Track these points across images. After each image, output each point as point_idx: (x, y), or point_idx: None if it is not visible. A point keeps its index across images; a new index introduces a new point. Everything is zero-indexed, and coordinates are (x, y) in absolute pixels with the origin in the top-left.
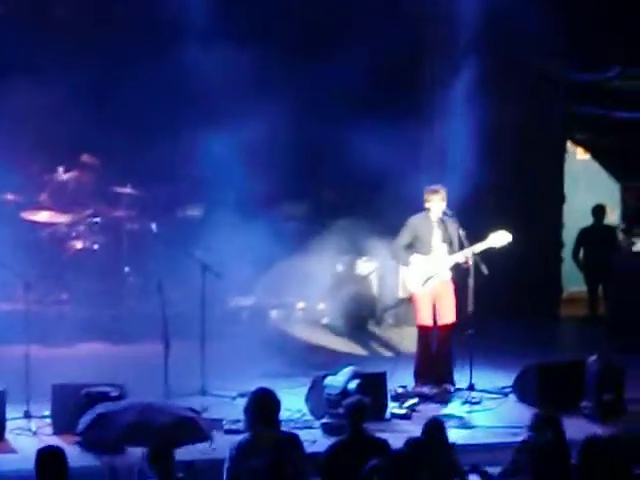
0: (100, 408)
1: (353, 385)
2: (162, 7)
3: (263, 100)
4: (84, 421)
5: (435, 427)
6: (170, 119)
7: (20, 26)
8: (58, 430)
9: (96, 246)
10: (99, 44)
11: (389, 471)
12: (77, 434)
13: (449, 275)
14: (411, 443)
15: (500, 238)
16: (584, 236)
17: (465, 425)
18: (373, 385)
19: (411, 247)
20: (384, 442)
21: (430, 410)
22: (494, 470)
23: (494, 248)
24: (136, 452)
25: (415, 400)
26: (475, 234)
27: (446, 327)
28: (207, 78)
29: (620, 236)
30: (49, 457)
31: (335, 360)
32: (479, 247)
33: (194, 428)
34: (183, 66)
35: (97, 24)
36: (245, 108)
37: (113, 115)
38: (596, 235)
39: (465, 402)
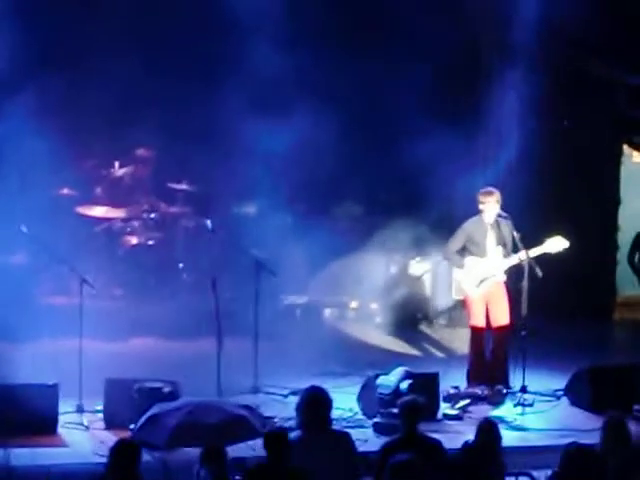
0: (154, 409)
1: (405, 385)
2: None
3: (319, 97)
4: (138, 422)
5: (489, 428)
6: (225, 117)
7: (72, 17)
8: (110, 425)
9: (151, 242)
10: (151, 37)
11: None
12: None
13: (503, 278)
14: (465, 447)
15: (556, 244)
16: (637, 240)
17: (516, 427)
18: (425, 385)
19: (464, 250)
20: (438, 442)
21: (482, 411)
22: (543, 473)
23: (550, 253)
24: (188, 448)
25: (467, 401)
26: (530, 237)
27: (500, 329)
28: (261, 75)
29: None
30: (126, 448)
31: (387, 360)
32: (535, 251)
33: (245, 426)
34: (237, 61)
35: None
36: (300, 106)
37: (169, 110)
38: None
39: (517, 404)
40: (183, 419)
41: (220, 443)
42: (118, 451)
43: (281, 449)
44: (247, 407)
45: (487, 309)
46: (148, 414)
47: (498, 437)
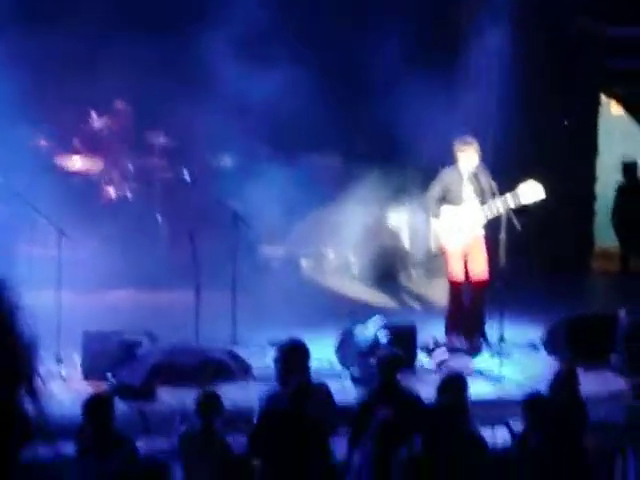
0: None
1: (383, 336)
2: None
3: (296, 48)
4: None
5: (454, 385)
6: (203, 68)
7: None
8: (88, 376)
9: (129, 194)
10: None
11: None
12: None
13: (481, 229)
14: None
15: (531, 191)
16: (617, 193)
17: (494, 378)
18: (403, 337)
19: (443, 201)
20: (414, 393)
21: (460, 362)
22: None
23: (527, 205)
24: (166, 398)
25: (445, 352)
26: (507, 187)
27: (479, 283)
28: (238, 26)
29: None
30: (98, 402)
31: (365, 311)
32: (511, 200)
33: (223, 370)
34: (214, 12)
35: None
36: (278, 57)
37: (147, 62)
38: (629, 191)
39: (495, 355)
40: (161, 358)
41: (197, 384)
42: (91, 406)
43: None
44: (229, 352)
45: (465, 261)
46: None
47: (466, 391)
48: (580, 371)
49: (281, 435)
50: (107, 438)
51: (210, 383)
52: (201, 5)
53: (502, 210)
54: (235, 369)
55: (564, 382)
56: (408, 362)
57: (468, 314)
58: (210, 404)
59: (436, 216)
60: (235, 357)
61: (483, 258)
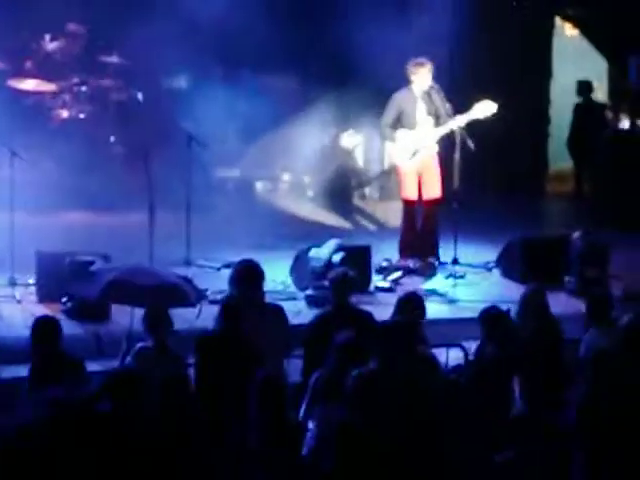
0: (92, 268)
1: (338, 257)
2: None
3: None
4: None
5: (411, 304)
6: None
7: None
8: (42, 298)
9: (82, 115)
10: None
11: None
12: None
13: (435, 149)
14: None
15: (485, 108)
16: (576, 112)
17: (448, 299)
18: (358, 258)
19: (397, 123)
20: (368, 314)
21: (414, 283)
22: (474, 344)
23: (480, 120)
24: (120, 319)
25: (399, 273)
26: (461, 109)
27: (431, 202)
28: None
29: (608, 114)
30: (45, 324)
31: (320, 233)
32: (464, 118)
33: (178, 294)
34: None
35: None
36: None
37: None
38: (584, 112)
39: (449, 276)
40: (119, 276)
41: (152, 304)
42: (36, 328)
43: (237, 320)
44: (184, 278)
45: (419, 181)
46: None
47: (421, 312)
48: None
49: (215, 358)
50: (56, 361)
51: (164, 305)
52: None
53: (455, 128)
54: (189, 295)
55: (534, 303)
56: (362, 283)
57: (422, 235)
58: (161, 319)
59: (392, 140)
60: (189, 282)
61: (437, 177)
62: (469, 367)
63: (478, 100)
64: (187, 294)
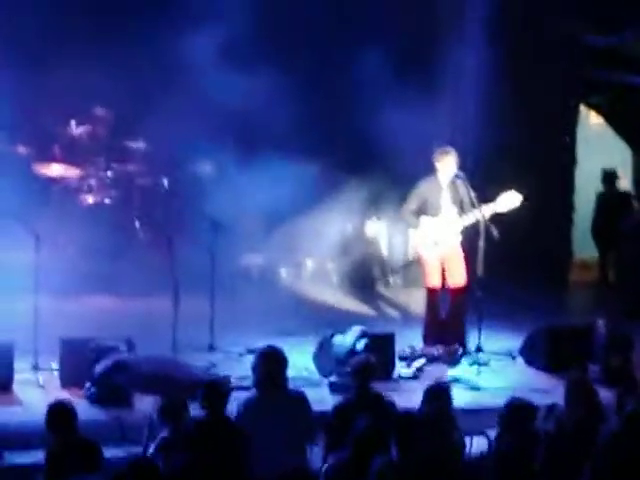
0: (115, 356)
1: (361, 344)
2: None
3: (277, 54)
4: (101, 366)
5: (439, 393)
6: (181, 73)
7: None
8: (66, 383)
9: (107, 200)
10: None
11: (394, 434)
12: (93, 379)
13: (459, 238)
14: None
15: (510, 199)
16: (597, 201)
17: (472, 387)
18: (381, 345)
19: (420, 211)
20: (390, 402)
21: (437, 371)
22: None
23: (505, 212)
24: (144, 407)
25: (423, 361)
26: (487, 198)
27: (457, 290)
28: (219, 32)
29: (633, 202)
30: (59, 411)
31: (343, 320)
32: (489, 209)
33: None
34: (194, 19)
35: None
36: (258, 63)
37: (125, 68)
38: (609, 200)
39: (472, 364)
40: (138, 366)
41: (184, 399)
42: (51, 415)
43: (221, 401)
44: (207, 370)
45: (443, 269)
46: (112, 360)
47: (449, 401)
48: (557, 381)
49: (202, 445)
50: (71, 446)
51: (182, 396)
52: (181, 11)
53: (480, 218)
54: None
55: (579, 390)
56: (385, 370)
57: (447, 322)
58: (178, 410)
59: (414, 227)
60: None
61: (461, 266)
62: (491, 457)
63: (502, 188)
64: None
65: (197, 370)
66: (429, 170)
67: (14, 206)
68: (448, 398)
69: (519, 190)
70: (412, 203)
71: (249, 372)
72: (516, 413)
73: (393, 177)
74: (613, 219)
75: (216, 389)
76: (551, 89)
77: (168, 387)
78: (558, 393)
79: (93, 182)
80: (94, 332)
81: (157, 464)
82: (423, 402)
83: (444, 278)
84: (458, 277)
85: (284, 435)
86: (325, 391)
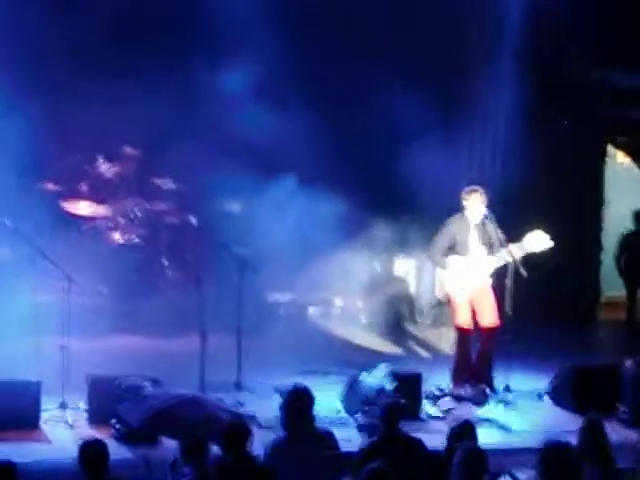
0: (145, 392)
1: (389, 384)
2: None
3: (304, 94)
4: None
5: (464, 432)
6: (209, 111)
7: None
8: (93, 421)
9: (135, 239)
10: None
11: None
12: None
13: (488, 277)
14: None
15: (538, 240)
16: (626, 240)
17: (499, 427)
18: (409, 385)
19: (449, 250)
20: (419, 442)
21: (465, 411)
22: (526, 474)
23: (534, 253)
24: (171, 444)
25: (450, 400)
26: (514, 237)
27: (489, 330)
28: (247, 72)
29: None
30: (92, 450)
31: (372, 359)
32: (519, 251)
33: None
34: (221, 61)
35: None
36: (285, 102)
37: (153, 106)
38: (637, 240)
39: (500, 404)
40: (166, 407)
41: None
42: (84, 453)
43: (241, 441)
44: (232, 411)
45: (474, 309)
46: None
47: (474, 440)
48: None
49: None
50: None
51: (204, 435)
52: (210, 48)
53: (509, 259)
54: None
55: (594, 434)
56: (413, 410)
57: (476, 362)
58: (200, 450)
59: (443, 267)
60: (238, 417)
61: (491, 305)
62: None
63: (530, 228)
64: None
65: (222, 409)
66: (457, 209)
67: (43, 245)
68: (473, 437)
69: (547, 229)
70: (441, 242)
71: (277, 411)
72: (554, 455)
73: (421, 216)
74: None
75: (236, 429)
76: (579, 129)
77: (190, 427)
78: None
79: (121, 220)
80: (121, 371)
81: None
82: (448, 441)
83: (474, 317)
84: (490, 317)
85: (312, 474)
86: (353, 431)
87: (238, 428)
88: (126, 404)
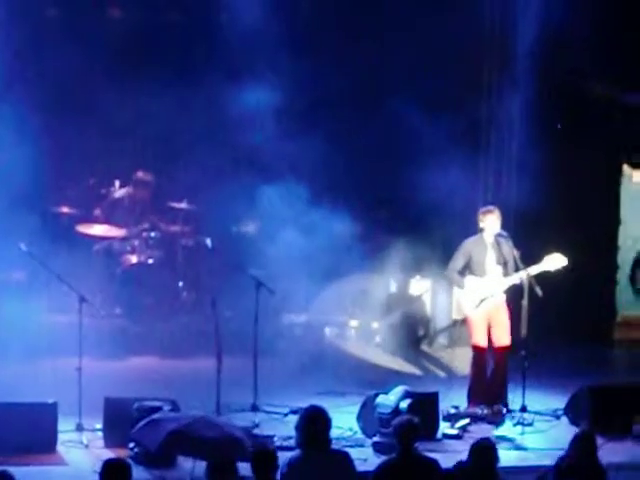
0: (156, 415)
1: (405, 404)
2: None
3: (317, 115)
4: (138, 425)
5: (484, 449)
6: (226, 133)
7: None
8: (109, 443)
9: (151, 261)
10: (149, 60)
11: None
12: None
13: (504, 297)
14: (459, 466)
15: (556, 261)
16: None
17: (516, 447)
18: (425, 405)
19: (466, 269)
20: (434, 462)
21: (482, 431)
22: None
23: (549, 271)
24: (187, 465)
25: (467, 420)
26: (530, 256)
27: (502, 349)
28: (257, 93)
29: None
30: (116, 469)
31: (387, 379)
32: (534, 270)
33: (239, 448)
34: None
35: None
36: (303, 124)
37: (169, 129)
38: None
39: (517, 424)
40: (179, 427)
41: (211, 458)
42: (106, 472)
43: (271, 468)
44: (244, 429)
45: (489, 328)
46: (150, 418)
47: (494, 458)
48: (603, 440)
49: None
50: None
51: (222, 458)
52: (226, 72)
53: (524, 278)
54: (249, 448)
55: (582, 446)
56: (429, 430)
57: (491, 382)
58: (227, 473)
59: (459, 286)
60: (254, 437)
61: (506, 324)
62: None
63: (546, 247)
64: (247, 449)
65: (235, 428)
66: (473, 230)
67: (58, 267)
68: (494, 455)
69: (562, 249)
70: (458, 262)
71: (293, 432)
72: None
73: (436, 236)
74: None
75: (266, 457)
76: (593, 148)
77: (211, 448)
78: (603, 452)
79: (136, 242)
80: (137, 392)
81: None
82: (469, 457)
83: (489, 337)
84: (503, 337)
85: None
86: (369, 451)
87: (266, 455)
88: (141, 428)
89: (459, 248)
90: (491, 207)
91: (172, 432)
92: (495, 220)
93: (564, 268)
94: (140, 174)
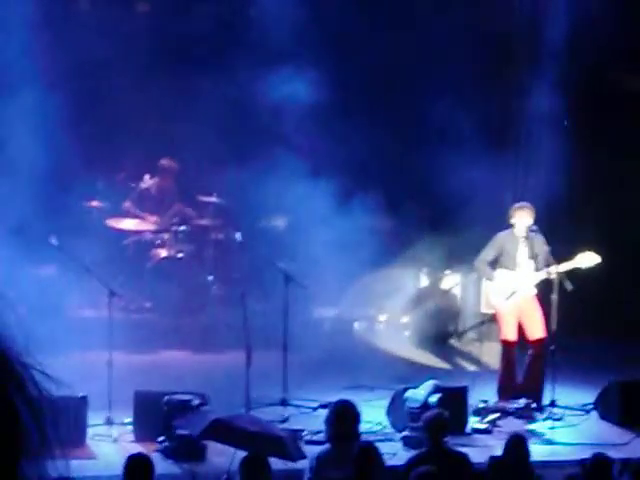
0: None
1: (434, 399)
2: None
3: (355, 114)
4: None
5: (517, 443)
6: (256, 128)
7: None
8: (139, 437)
9: (180, 254)
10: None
11: None
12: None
13: (534, 291)
14: (493, 461)
15: (588, 259)
16: None
17: (546, 441)
18: (454, 399)
19: (495, 262)
20: (464, 456)
21: (511, 425)
22: None
23: (581, 268)
24: (217, 460)
25: (496, 415)
26: (562, 252)
27: (537, 342)
28: (289, 89)
29: None
30: (139, 464)
31: (417, 373)
32: (566, 265)
33: (279, 446)
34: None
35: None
36: (330, 120)
37: (200, 122)
38: None
39: (547, 418)
40: (225, 418)
41: (251, 449)
42: (129, 467)
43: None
44: (291, 434)
45: (520, 323)
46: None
47: (527, 452)
48: (631, 435)
49: None
50: None
51: (264, 453)
52: (260, 62)
53: (555, 273)
54: (290, 450)
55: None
56: (458, 424)
57: (526, 375)
58: (261, 468)
59: (490, 279)
60: (294, 439)
61: (539, 317)
62: None
63: (578, 244)
64: (288, 448)
65: (275, 427)
66: (502, 224)
67: (89, 261)
68: (527, 449)
69: (592, 243)
70: (488, 253)
71: (322, 426)
72: (601, 469)
73: (467, 231)
74: None
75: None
76: (626, 140)
77: (251, 439)
78: (632, 447)
79: (166, 236)
80: (167, 386)
81: None
82: (504, 452)
83: (521, 331)
84: (537, 330)
85: None
86: (398, 445)
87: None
88: (181, 419)
89: (491, 240)
90: (524, 203)
91: (217, 420)
92: (526, 217)
93: (596, 265)
94: (164, 161)
